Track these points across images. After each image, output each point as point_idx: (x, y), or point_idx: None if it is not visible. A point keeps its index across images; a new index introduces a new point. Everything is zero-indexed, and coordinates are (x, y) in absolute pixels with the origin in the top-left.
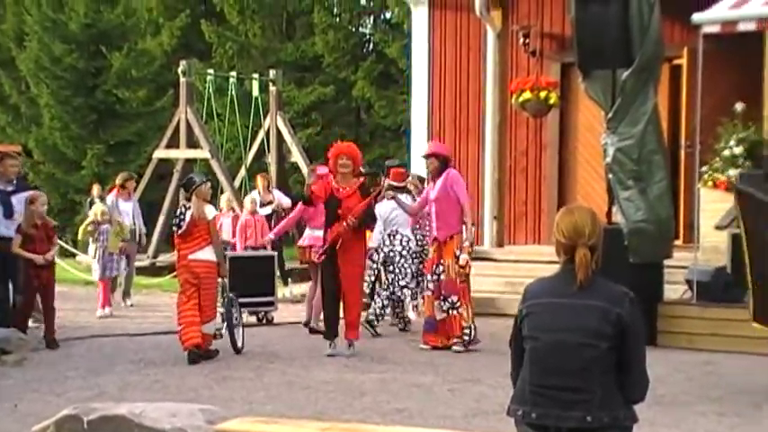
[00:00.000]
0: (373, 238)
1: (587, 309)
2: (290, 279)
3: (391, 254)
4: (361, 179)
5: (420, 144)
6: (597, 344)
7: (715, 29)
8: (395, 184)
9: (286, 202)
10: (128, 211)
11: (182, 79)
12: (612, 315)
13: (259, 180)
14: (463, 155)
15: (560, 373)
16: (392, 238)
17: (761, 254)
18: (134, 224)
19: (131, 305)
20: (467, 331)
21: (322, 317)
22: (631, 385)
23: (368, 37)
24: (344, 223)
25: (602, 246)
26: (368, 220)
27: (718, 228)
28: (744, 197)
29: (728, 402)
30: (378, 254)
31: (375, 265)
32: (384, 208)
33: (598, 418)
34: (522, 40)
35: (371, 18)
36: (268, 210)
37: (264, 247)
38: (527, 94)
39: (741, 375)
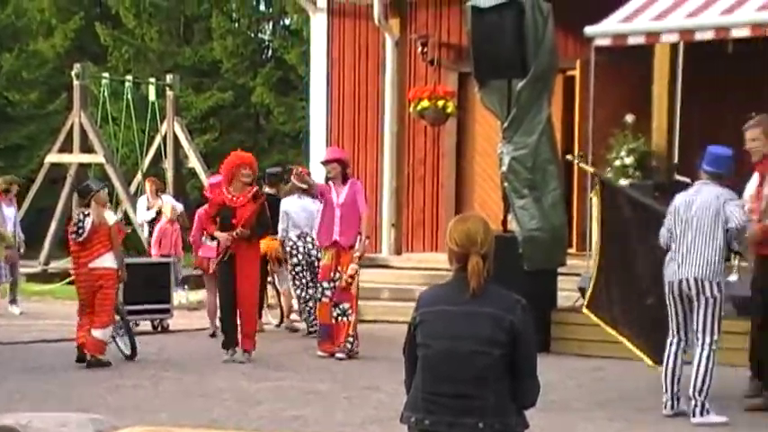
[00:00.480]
0: (279, 234)
1: (480, 316)
2: (186, 286)
3: (308, 256)
4: (255, 188)
5: (319, 151)
6: (490, 351)
7: (606, 42)
8: (301, 185)
9: (179, 207)
10: (11, 216)
11: (75, 82)
12: (505, 322)
13: (147, 185)
14: (362, 162)
15: (453, 381)
16: (304, 239)
17: (609, 247)
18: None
19: (21, 313)
20: (350, 339)
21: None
22: (523, 392)
23: (267, 43)
24: (234, 233)
25: (494, 254)
26: (260, 230)
27: None
28: (608, 190)
29: (617, 407)
30: (292, 257)
31: (296, 269)
32: (293, 207)
33: (490, 424)
34: (420, 48)
35: (270, 24)
36: (152, 214)
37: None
38: (425, 103)
39: (629, 381)
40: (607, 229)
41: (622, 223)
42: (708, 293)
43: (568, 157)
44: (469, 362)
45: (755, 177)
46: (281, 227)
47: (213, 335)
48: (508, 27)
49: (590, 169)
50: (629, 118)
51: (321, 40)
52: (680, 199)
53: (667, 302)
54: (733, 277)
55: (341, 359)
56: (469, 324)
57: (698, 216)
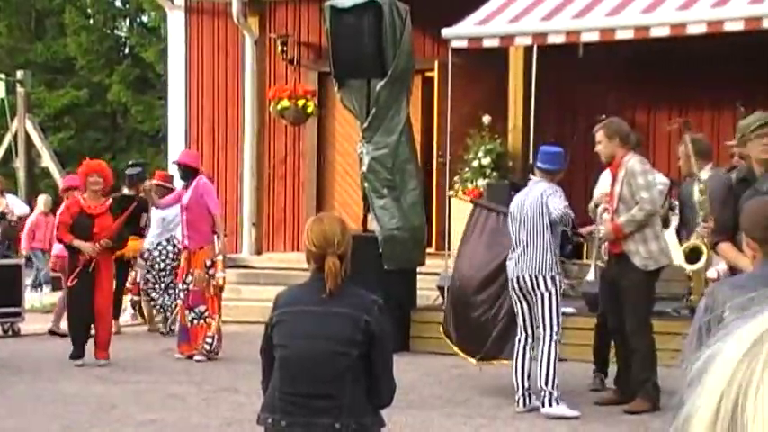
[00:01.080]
0: (146, 242)
1: (337, 316)
2: (48, 286)
3: (171, 261)
4: (110, 198)
5: (178, 150)
6: (348, 351)
7: (462, 44)
8: (163, 184)
9: (21, 210)
10: None
11: None
12: (362, 322)
13: None
14: (222, 161)
15: (310, 381)
16: (171, 243)
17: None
18: None
19: None
20: (209, 341)
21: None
22: (379, 391)
23: (124, 40)
24: (97, 244)
25: (354, 253)
26: (120, 241)
27: None
28: (477, 208)
29: (474, 404)
30: (158, 262)
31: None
32: (171, 212)
33: (346, 424)
34: (279, 48)
35: (127, 21)
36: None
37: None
38: (285, 103)
39: (486, 378)
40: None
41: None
42: (543, 288)
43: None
44: (326, 362)
45: (606, 177)
46: (153, 232)
47: (53, 332)
48: (367, 28)
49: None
50: (486, 119)
51: (179, 38)
52: (516, 199)
53: (513, 300)
54: (590, 276)
55: (199, 361)
56: (326, 324)
57: (529, 215)
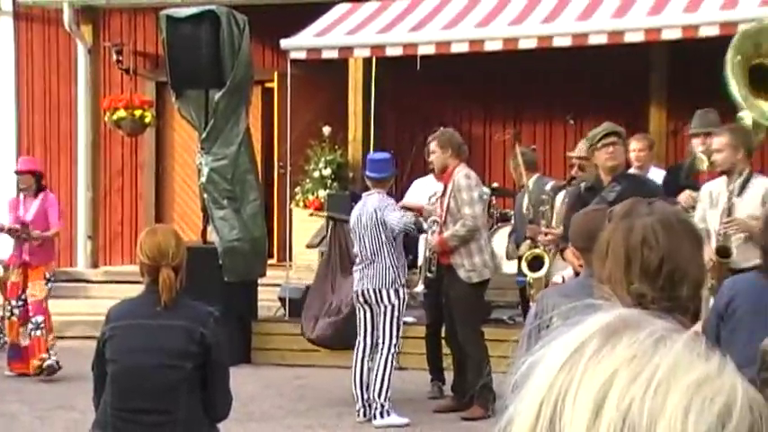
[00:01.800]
0: None
1: (171, 329)
2: None
3: None
4: None
5: (8, 160)
6: (182, 365)
7: (301, 55)
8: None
9: None
10: None
11: None
12: (197, 335)
13: None
14: (55, 173)
15: (143, 396)
16: None
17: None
18: None
19: None
20: (44, 356)
21: None
22: (215, 404)
23: None
24: None
25: (194, 265)
26: None
27: (309, 246)
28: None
29: (315, 415)
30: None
31: None
32: None
33: None
34: (114, 57)
35: None
36: None
37: None
38: (121, 113)
39: (327, 388)
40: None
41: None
42: (386, 301)
43: None
44: (158, 376)
45: (420, 185)
46: None
47: None
48: (204, 37)
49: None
50: (326, 129)
51: (7, 45)
52: (353, 213)
53: (356, 310)
54: (419, 287)
55: (50, 369)
56: (160, 338)
57: (367, 229)
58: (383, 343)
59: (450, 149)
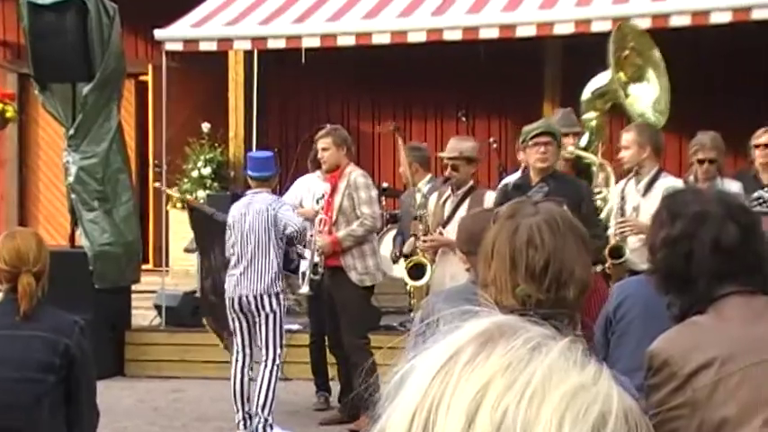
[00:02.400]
0: None
1: (32, 340)
2: None
3: None
4: None
5: None
6: (44, 378)
7: (177, 47)
8: None
9: None
10: None
11: None
12: (60, 346)
13: None
14: None
15: (1, 412)
16: None
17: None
18: None
19: None
20: None
21: None
22: (81, 422)
23: None
24: None
25: (61, 271)
26: None
27: (187, 251)
28: (195, 215)
29: (192, 429)
30: None
31: None
32: None
33: None
34: None
35: None
36: None
37: None
38: None
39: (206, 401)
40: (200, 245)
41: (208, 238)
42: (268, 309)
43: None
44: (16, 391)
45: (303, 183)
46: None
47: None
48: (70, 27)
49: (174, 194)
50: (206, 126)
51: None
52: (235, 211)
53: (230, 318)
54: (304, 289)
55: None
56: (18, 349)
57: (253, 228)
58: (266, 354)
59: (345, 147)
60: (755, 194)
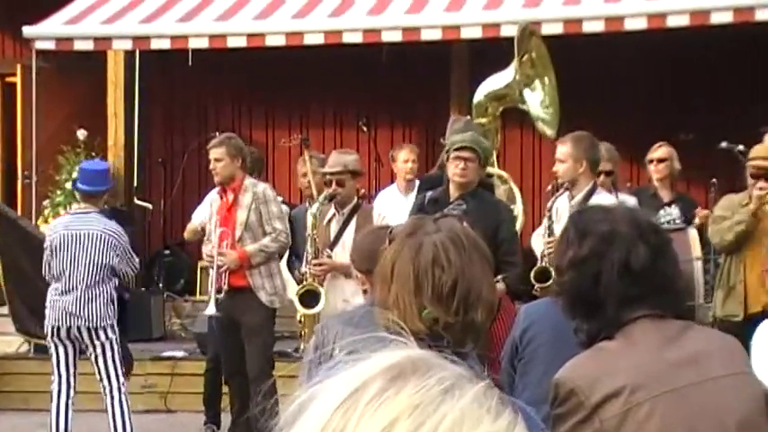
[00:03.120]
0: None
1: None
2: None
3: None
4: None
5: None
6: None
7: (49, 46)
8: None
9: None
10: None
11: None
12: None
13: None
14: None
15: None
16: None
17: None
18: None
19: None
20: None
21: None
22: None
23: None
24: None
25: None
26: None
27: None
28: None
29: None
30: None
31: None
32: None
33: None
34: None
35: None
36: None
37: None
38: None
39: None
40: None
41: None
42: (103, 338)
43: None
44: None
45: (208, 201)
46: None
47: None
48: None
49: None
50: (81, 133)
51: None
52: (59, 230)
53: (51, 348)
54: (210, 310)
55: None
56: None
57: (88, 253)
58: (110, 384)
59: (239, 158)
60: (663, 213)
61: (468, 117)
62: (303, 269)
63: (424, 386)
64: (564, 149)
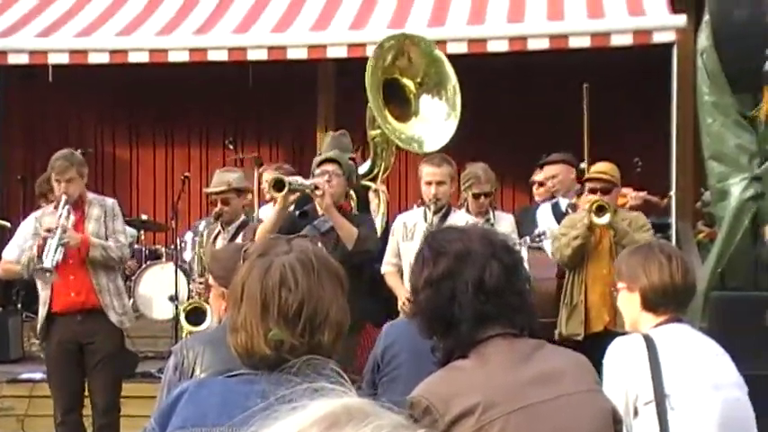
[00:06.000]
0: None
1: None
2: None
3: None
4: None
5: None
6: None
7: None
8: None
9: None
10: None
11: None
12: None
13: None
14: None
15: None
16: None
17: None
18: None
19: None
20: None
21: None
22: None
23: None
24: None
25: None
26: None
27: None
28: None
29: None
30: None
31: None
32: None
33: None
34: None
35: None
36: None
37: None
38: None
39: None
40: None
41: None
42: None
43: None
44: None
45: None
46: None
47: None
48: None
49: None
50: None
51: None
52: None
53: None
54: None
55: None
56: None
57: None
58: None
59: (85, 175)
60: (539, 230)
61: (341, 132)
62: (190, 286)
63: None
64: (443, 170)
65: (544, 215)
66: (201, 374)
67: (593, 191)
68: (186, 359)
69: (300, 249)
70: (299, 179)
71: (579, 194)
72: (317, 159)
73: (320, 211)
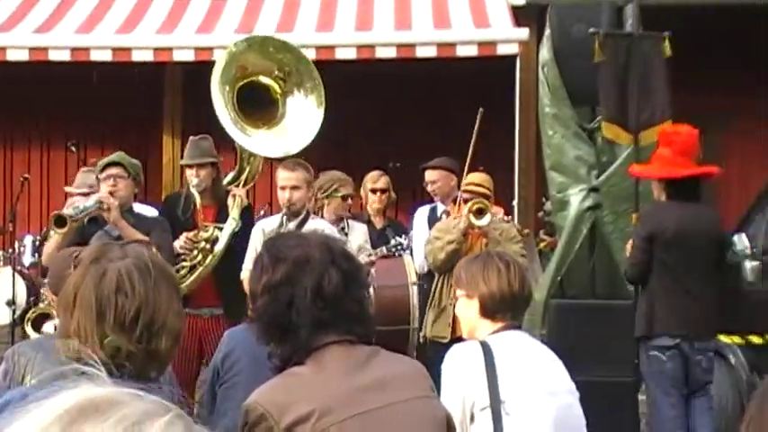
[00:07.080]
0: None
1: None
2: None
3: None
4: None
5: None
6: None
7: None
8: None
9: None
10: None
11: None
12: None
13: None
14: None
15: None
16: None
17: None
18: None
19: None
20: None
21: None
22: None
23: None
24: None
25: None
26: None
27: None
28: None
29: None
30: None
31: None
32: None
33: None
34: None
35: None
36: None
37: None
38: None
39: None
40: None
41: None
42: None
43: None
44: None
45: None
46: None
47: None
48: None
49: None
50: None
51: None
52: None
53: None
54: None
55: None
56: None
57: None
58: None
59: None
60: (395, 242)
61: (202, 136)
62: (42, 290)
63: (99, 429)
64: (297, 175)
65: (420, 218)
66: (32, 381)
67: (466, 201)
68: (17, 365)
69: (136, 255)
70: (81, 204)
71: (454, 201)
72: (100, 163)
73: (108, 218)
